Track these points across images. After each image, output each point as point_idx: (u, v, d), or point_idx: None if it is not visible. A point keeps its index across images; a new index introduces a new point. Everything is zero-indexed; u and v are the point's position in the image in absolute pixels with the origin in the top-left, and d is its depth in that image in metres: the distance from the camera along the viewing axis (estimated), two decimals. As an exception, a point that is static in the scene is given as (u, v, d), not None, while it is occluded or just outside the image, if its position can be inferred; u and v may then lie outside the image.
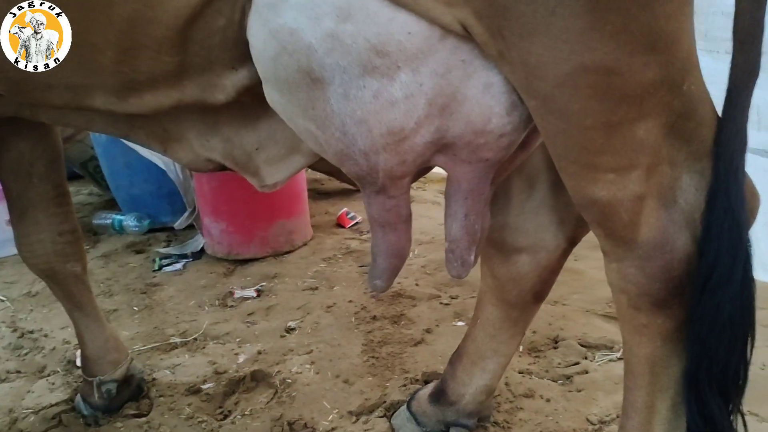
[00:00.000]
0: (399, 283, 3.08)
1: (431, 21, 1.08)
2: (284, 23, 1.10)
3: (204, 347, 2.62)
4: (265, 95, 1.28)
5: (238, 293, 3.14)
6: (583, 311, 2.70)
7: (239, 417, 2.14)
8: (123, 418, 2.16)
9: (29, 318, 3.02)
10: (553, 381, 2.21)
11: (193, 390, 2.30)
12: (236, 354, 2.54)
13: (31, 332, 2.85)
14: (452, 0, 1.06)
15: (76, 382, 2.40)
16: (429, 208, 4.33)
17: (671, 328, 1.21)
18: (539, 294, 1.68)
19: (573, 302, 2.77)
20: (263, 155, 1.57)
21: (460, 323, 2.68)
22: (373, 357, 2.44)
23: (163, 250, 3.77)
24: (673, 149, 1.14)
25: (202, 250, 3.74)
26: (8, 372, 2.52)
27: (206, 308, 3.03)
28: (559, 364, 2.32)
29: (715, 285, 1.12)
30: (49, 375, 2.49)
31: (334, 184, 4.89)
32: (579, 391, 2.14)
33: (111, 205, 4.57)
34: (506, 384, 2.16)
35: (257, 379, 2.36)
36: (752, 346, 1.17)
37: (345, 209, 4.14)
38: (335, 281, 3.21)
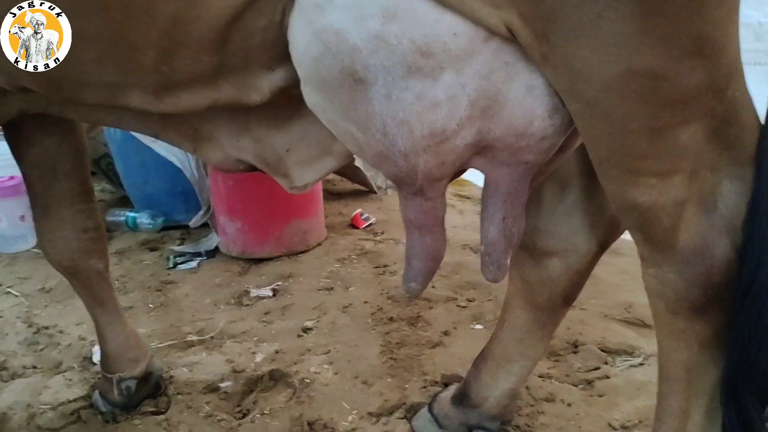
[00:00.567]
0: (415, 284, 3.07)
1: (477, 22, 1.08)
2: (329, 24, 1.10)
3: (221, 346, 2.61)
4: (304, 96, 1.27)
5: (254, 292, 3.13)
6: (602, 316, 2.69)
7: (258, 416, 2.13)
8: (141, 415, 2.16)
9: (44, 314, 3.02)
10: (574, 385, 2.21)
11: (211, 388, 2.30)
12: (253, 353, 2.54)
13: (47, 328, 2.85)
14: (499, 1, 1.05)
15: (93, 378, 2.40)
16: (443, 211, 4.31)
17: (709, 335, 1.21)
18: (569, 298, 1.67)
19: (591, 307, 2.77)
20: (294, 156, 1.56)
21: (478, 326, 2.67)
22: (391, 358, 2.43)
23: (177, 248, 3.77)
24: (715, 155, 1.14)
25: (217, 248, 3.74)
26: (24, 367, 2.52)
27: (222, 307, 3.02)
28: (580, 368, 2.31)
29: (757, 291, 1.11)
30: (65, 371, 2.49)
31: (347, 185, 4.89)
32: (600, 396, 2.13)
33: (123, 202, 4.57)
34: (527, 388, 2.15)
35: (275, 378, 2.36)
36: None
37: (359, 210, 4.14)
38: (350, 282, 3.21)
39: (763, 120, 1.15)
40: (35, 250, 3.84)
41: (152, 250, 3.84)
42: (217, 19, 1.19)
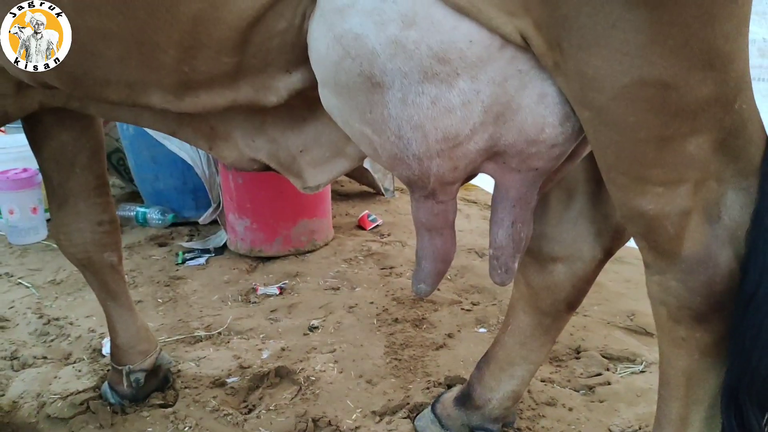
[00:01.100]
0: (420, 287, 3.10)
1: (492, 30, 1.11)
2: (350, 28, 1.13)
3: (228, 342, 2.65)
4: (321, 98, 1.31)
5: (261, 290, 3.17)
6: (604, 323, 2.72)
7: (264, 412, 2.17)
8: (149, 407, 2.20)
9: (54, 305, 3.06)
10: (575, 391, 2.23)
11: (218, 383, 2.33)
12: (260, 350, 2.57)
13: (57, 319, 2.89)
14: (514, 10, 1.08)
15: (102, 370, 2.43)
16: (449, 215, 4.34)
17: (710, 343, 1.24)
18: (573, 303, 1.70)
19: (594, 314, 2.79)
20: (307, 157, 1.60)
21: (482, 330, 2.70)
22: (395, 359, 2.46)
23: (186, 245, 3.81)
24: (721, 165, 1.16)
25: (225, 245, 3.78)
26: (35, 357, 2.56)
27: (229, 303, 3.06)
28: (581, 374, 2.34)
29: (760, 301, 1.14)
30: (75, 362, 2.53)
31: (354, 186, 4.93)
32: (601, 401, 2.16)
33: (133, 197, 4.62)
34: (528, 391, 2.18)
35: (281, 375, 2.39)
36: None
37: (366, 212, 4.17)
38: (357, 282, 3.24)
39: (768, 133, 1.18)
40: (46, 242, 3.90)
41: (161, 245, 3.88)
42: (239, 21, 1.23)
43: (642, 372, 2.33)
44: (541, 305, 1.71)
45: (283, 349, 2.57)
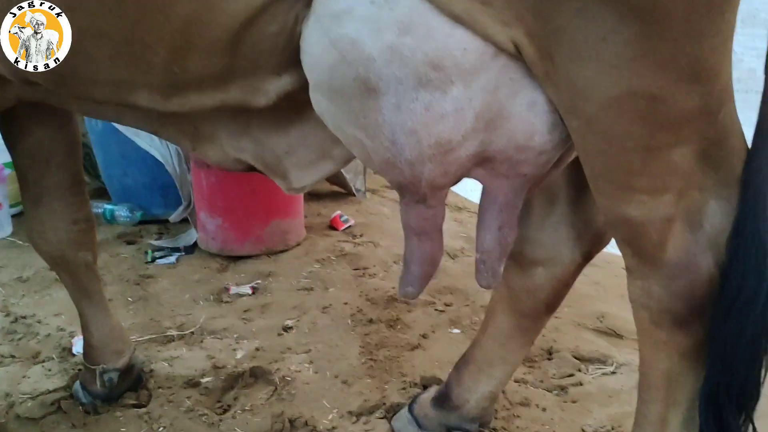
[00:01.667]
0: (393, 287, 3.13)
1: (486, 39, 1.13)
2: (346, 33, 1.14)
3: (201, 341, 2.63)
4: (313, 102, 1.31)
5: (233, 289, 3.15)
6: (575, 324, 2.77)
7: (239, 412, 2.16)
8: (122, 408, 2.17)
9: (21, 303, 2.99)
10: (548, 391, 2.27)
11: (192, 383, 2.31)
12: (234, 350, 2.56)
13: (24, 318, 2.83)
14: (508, 20, 1.10)
15: (72, 369, 2.39)
16: (420, 215, 4.37)
17: (689, 346, 1.28)
18: (552, 306, 1.73)
19: (564, 315, 2.84)
20: (293, 159, 1.60)
21: (455, 330, 2.73)
22: (371, 359, 2.48)
23: (155, 243, 3.76)
24: (704, 175, 1.20)
25: (195, 244, 3.74)
26: (2, 356, 2.50)
27: (201, 303, 3.03)
28: (554, 375, 2.38)
29: (741, 306, 1.18)
30: (44, 361, 2.48)
31: (325, 186, 4.91)
32: (574, 402, 2.20)
33: (99, 193, 4.53)
34: (503, 392, 2.20)
35: (256, 375, 2.38)
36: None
37: (338, 212, 4.17)
38: (330, 283, 3.24)
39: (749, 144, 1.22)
40: (11, 238, 3.80)
41: (129, 243, 3.83)
42: (231, 23, 1.22)
43: (613, 373, 2.38)
44: (520, 307, 1.74)
45: (257, 349, 2.56)
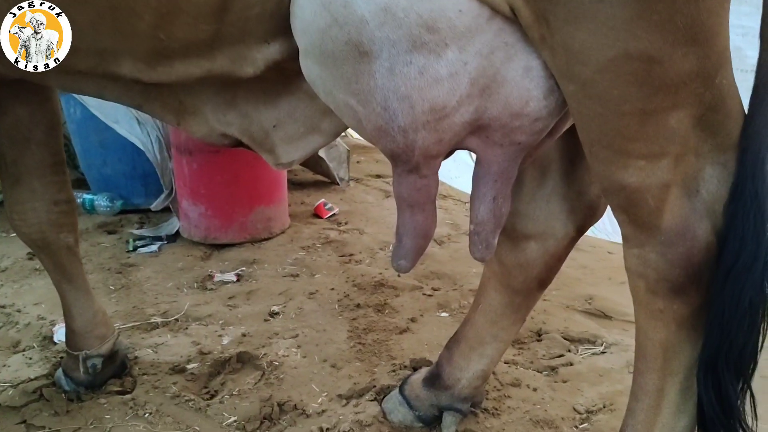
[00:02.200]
0: (380, 273, 3.10)
1: (482, 0, 1.11)
2: (338, -6, 1.11)
3: (186, 328, 2.59)
4: (303, 69, 1.28)
5: (218, 277, 3.11)
6: (564, 306, 2.76)
7: (227, 397, 2.12)
8: (106, 394, 2.12)
9: (0, 293, 2.93)
10: (539, 372, 2.26)
11: (178, 369, 2.27)
12: (220, 336, 2.52)
13: (3, 307, 2.77)
14: None
15: (54, 357, 2.34)
16: (405, 203, 4.35)
17: (686, 314, 1.26)
18: (544, 281, 1.71)
19: (553, 298, 2.83)
20: (281, 133, 1.56)
21: (443, 314, 2.71)
22: (359, 343, 2.45)
23: (137, 232, 3.70)
24: (700, 140, 1.19)
25: (177, 233, 3.69)
26: (-19, 346, 2.45)
27: (185, 290, 2.99)
28: (544, 355, 2.37)
29: (739, 271, 1.17)
30: (24, 350, 2.43)
31: (308, 175, 4.88)
32: (564, 382, 2.19)
33: (78, 184, 4.44)
34: (493, 373, 2.18)
35: (243, 360, 2.35)
36: (766, 329, 1.22)
37: (323, 200, 4.13)
38: (316, 269, 3.21)
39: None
40: (-13, 229, 3.73)
41: (110, 233, 3.77)
42: (219, -14, 1.19)
43: (602, 353, 2.38)
44: (513, 283, 1.72)
45: (243, 335, 2.52)
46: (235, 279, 3.11)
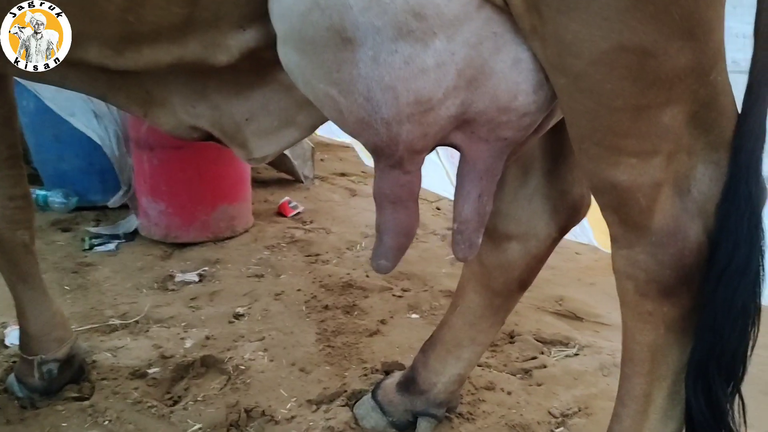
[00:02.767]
0: (348, 273, 3.03)
1: (472, -13, 1.05)
2: (320, -24, 1.04)
3: (147, 330, 2.48)
4: (281, 56, 1.20)
5: (179, 277, 3.00)
6: (535, 308, 2.74)
7: (191, 403, 2.03)
8: (63, 401, 2.01)
9: (-54, 294, 2.77)
10: (513, 375, 2.22)
11: (139, 374, 2.17)
12: (182, 338, 2.42)
13: (-50, 309, 2.62)
14: None
15: (6, 362, 2.21)
16: (371, 203, 4.19)
17: (676, 317, 1.23)
18: (525, 282, 1.67)
19: (524, 299, 2.74)
20: (253, 126, 1.48)
21: (414, 316, 2.65)
22: (328, 346, 2.38)
23: (93, 230, 3.56)
24: (693, 138, 1.15)
25: (136, 231, 3.56)
26: (-74, 350, 2.30)
27: (145, 291, 2.87)
28: (517, 358, 2.33)
29: (732, 274, 1.13)
30: (-27, 354, 2.29)
31: (272, 173, 4.78)
32: (539, 385, 2.16)
33: (31, 179, 4.21)
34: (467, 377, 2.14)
35: (207, 364, 2.25)
36: (757, 333, 1.19)
37: (287, 198, 4.04)
38: (281, 269, 3.12)
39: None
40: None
41: (65, 230, 3.61)
42: (192, -34, 1.11)
43: (576, 355, 2.35)
44: (493, 284, 1.67)
45: (207, 338, 2.42)
46: (197, 279, 3.00)
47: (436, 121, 1.15)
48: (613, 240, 1.25)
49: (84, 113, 3.46)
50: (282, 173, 4.73)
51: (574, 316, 2.68)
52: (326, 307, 2.69)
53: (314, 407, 2.02)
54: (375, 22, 1.05)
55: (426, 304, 2.74)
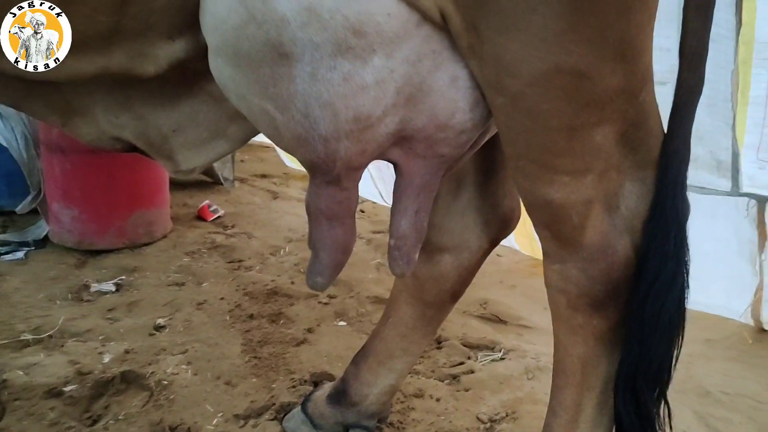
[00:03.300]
0: (273, 280, 2.98)
1: (411, 5, 1.05)
2: (257, -10, 1.00)
3: (62, 345, 2.35)
4: (213, 69, 1.16)
5: (94, 287, 2.86)
6: (460, 312, 2.77)
7: (112, 422, 1.94)
8: (-31, 426, 1.89)
9: None
10: (440, 381, 2.24)
11: (54, 392, 2.05)
12: (100, 353, 2.31)
13: None
14: None
15: None
16: (295, 205, 4.24)
17: (604, 329, 1.26)
18: (457, 293, 1.69)
19: (449, 304, 2.83)
20: (181, 138, 1.43)
21: (341, 323, 2.63)
22: (254, 357, 2.33)
23: (-1, 237, 3.37)
24: (621, 156, 1.19)
25: (46, 238, 3.38)
26: None
27: (58, 302, 2.73)
28: (445, 363, 2.35)
29: (660, 288, 1.17)
30: None
31: (191, 174, 4.64)
32: (466, 390, 2.18)
33: (-72, 183, 4.01)
34: (396, 384, 2.15)
35: (128, 380, 2.16)
36: (681, 344, 1.24)
37: (207, 202, 3.94)
38: (203, 277, 3.04)
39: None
40: None
41: (-33, 238, 3.40)
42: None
43: (501, 359, 2.39)
44: (426, 296, 1.67)
45: (127, 352, 2.32)
46: (114, 289, 2.88)
47: (375, 138, 1.14)
48: (546, 255, 1.28)
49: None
50: (201, 175, 4.60)
51: (498, 320, 2.73)
52: (251, 316, 2.64)
53: (242, 422, 1.97)
54: (314, 38, 1.03)
55: (353, 311, 2.72)
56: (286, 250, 3.44)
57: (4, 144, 3.31)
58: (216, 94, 1.34)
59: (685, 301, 1.22)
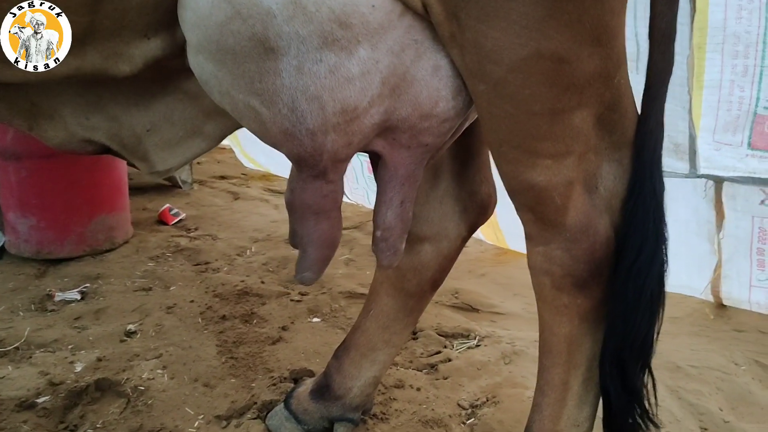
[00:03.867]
0: (242, 281, 2.95)
1: (395, -4, 1.06)
2: (242, -16, 1.00)
3: (30, 357, 2.29)
4: (193, 66, 1.15)
5: (58, 296, 2.79)
6: (433, 303, 2.77)
7: (90, 431, 1.90)
8: (-59, 444, 1.83)
9: None
10: (419, 371, 2.25)
11: (26, 405, 2.00)
12: (71, 362, 2.26)
13: None
14: None
15: None
16: (258, 205, 4.21)
17: (588, 308, 1.30)
18: (437, 282, 1.70)
19: (420, 295, 2.85)
20: (155, 138, 1.41)
21: (315, 319, 2.63)
22: (231, 358, 2.30)
23: (-48, 250, 3.25)
24: (599, 139, 1.23)
25: (3, 249, 3.28)
26: None
27: (21, 313, 2.65)
28: (422, 353, 2.37)
29: (640, 266, 1.21)
30: None
31: (148, 178, 4.56)
32: (445, 378, 2.20)
33: None
34: (376, 377, 2.15)
35: (102, 388, 2.11)
36: (662, 317, 1.29)
37: (167, 205, 3.87)
38: (170, 281, 2.99)
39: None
40: None
41: None
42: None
43: (477, 346, 2.42)
44: (407, 286, 1.68)
45: (99, 360, 2.27)
46: (79, 297, 2.81)
47: (361, 129, 1.15)
48: (529, 238, 1.30)
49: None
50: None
51: (470, 308, 2.77)
52: (223, 318, 2.61)
53: (224, 423, 1.95)
54: (300, 31, 1.03)
55: (326, 307, 2.72)
56: (253, 250, 3.41)
57: (-46, 153, 3.20)
58: (192, 91, 1.33)
59: (665, 276, 1.26)
